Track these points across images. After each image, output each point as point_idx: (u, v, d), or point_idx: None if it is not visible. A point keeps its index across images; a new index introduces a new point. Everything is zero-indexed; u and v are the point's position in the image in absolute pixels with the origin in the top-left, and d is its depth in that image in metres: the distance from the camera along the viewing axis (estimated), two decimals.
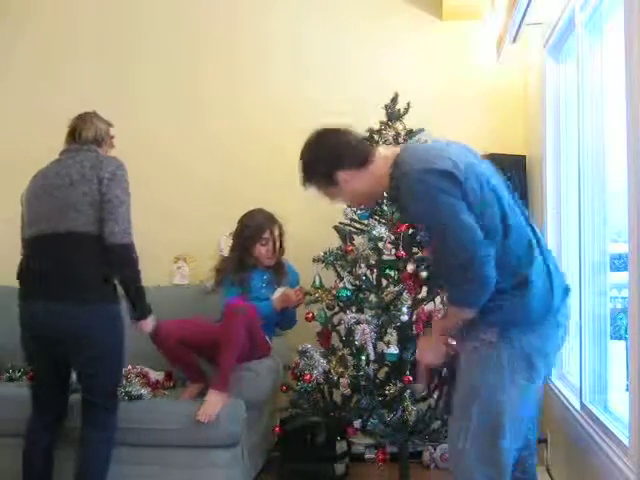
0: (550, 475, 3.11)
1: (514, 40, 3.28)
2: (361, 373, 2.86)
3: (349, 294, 2.98)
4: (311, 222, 3.62)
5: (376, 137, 3.15)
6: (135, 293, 2.63)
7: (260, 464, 3.34)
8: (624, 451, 2.07)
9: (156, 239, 3.72)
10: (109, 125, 2.81)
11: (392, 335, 2.92)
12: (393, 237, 2.96)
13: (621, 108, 2.05)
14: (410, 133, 3.13)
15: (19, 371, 3.36)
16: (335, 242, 3.15)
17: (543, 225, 3.32)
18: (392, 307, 2.91)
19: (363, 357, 2.89)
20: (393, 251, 2.95)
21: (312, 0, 4.05)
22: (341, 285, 3.00)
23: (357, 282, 3.02)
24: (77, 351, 2.57)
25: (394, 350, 2.87)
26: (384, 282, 3.04)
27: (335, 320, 3.08)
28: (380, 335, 2.92)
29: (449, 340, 2.08)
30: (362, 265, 3.01)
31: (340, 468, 3.32)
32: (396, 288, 2.91)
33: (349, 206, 3.01)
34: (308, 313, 3.09)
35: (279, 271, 3.39)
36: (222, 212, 3.78)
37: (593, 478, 2.37)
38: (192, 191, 4.00)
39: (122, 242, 2.54)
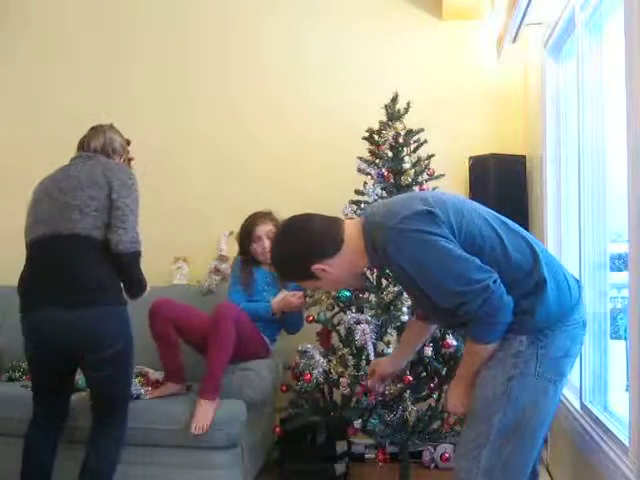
0: (550, 475, 3.11)
1: (514, 40, 3.28)
2: (361, 373, 2.86)
3: (349, 295, 2.98)
4: None
5: (376, 137, 3.15)
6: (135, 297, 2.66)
7: (260, 464, 3.34)
8: (624, 451, 2.07)
9: (156, 239, 3.71)
10: (124, 139, 2.81)
11: (392, 335, 2.92)
12: None
13: (621, 108, 2.05)
14: (410, 133, 3.13)
15: (19, 371, 3.35)
16: None
17: (543, 225, 3.32)
18: (392, 307, 2.91)
19: (363, 357, 2.89)
20: None
21: (311, 0, 4.05)
22: None
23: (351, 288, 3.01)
24: (90, 355, 2.53)
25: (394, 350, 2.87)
26: (384, 282, 3.04)
27: (335, 320, 3.08)
28: (380, 335, 2.92)
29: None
30: None
31: (340, 468, 3.32)
32: (396, 288, 2.91)
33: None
34: (308, 316, 3.10)
35: None
36: (221, 212, 3.79)
37: (593, 478, 2.36)
38: (192, 191, 4.00)
39: (129, 251, 2.54)
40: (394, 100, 3.16)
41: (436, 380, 2.95)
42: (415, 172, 3.07)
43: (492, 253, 1.89)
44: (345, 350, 2.96)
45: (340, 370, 2.92)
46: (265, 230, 3.34)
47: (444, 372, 2.93)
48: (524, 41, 3.51)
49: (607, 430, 2.29)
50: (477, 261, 1.84)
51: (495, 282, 1.82)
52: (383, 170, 3.08)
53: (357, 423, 2.83)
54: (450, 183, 3.22)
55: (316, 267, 1.97)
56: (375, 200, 3.09)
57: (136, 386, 3.01)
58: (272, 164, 3.92)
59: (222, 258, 3.67)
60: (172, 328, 3.05)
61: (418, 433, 2.89)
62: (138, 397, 2.97)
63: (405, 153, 3.11)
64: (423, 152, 3.14)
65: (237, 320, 2.97)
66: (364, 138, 3.19)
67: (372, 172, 3.08)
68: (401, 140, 3.11)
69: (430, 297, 1.90)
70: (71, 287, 2.48)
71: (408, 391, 2.83)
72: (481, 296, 1.80)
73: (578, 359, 2.68)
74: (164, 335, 3.05)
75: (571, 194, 3.07)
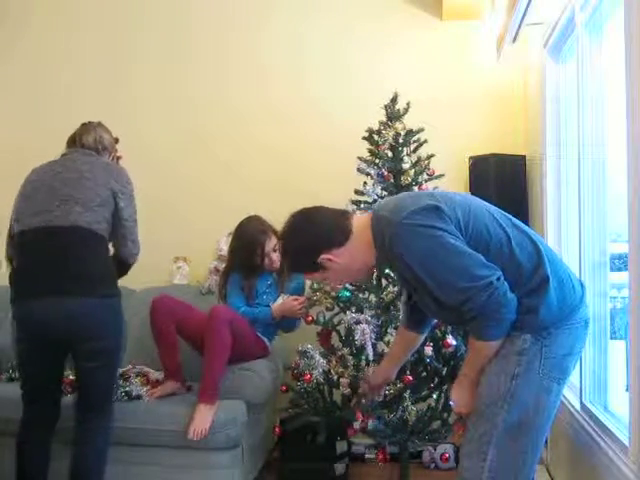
0: (550, 475, 3.11)
1: (514, 40, 3.28)
2: (361, 373, 2.86)
3: (349, 295, 2.98)
4: None
5: (376, 137, 3.15)
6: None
7: (260, 464, 3.34)
8: (624, 451, 2.07)
9: (156, 239, 3.72)
10: (113, 137, 2.82)
11: (392, 335, 2.92)
12: None
13: (621, 108, 2.05)
14: (410, 133, 3.13)
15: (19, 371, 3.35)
16: None
17: (543, 225, 3.32)
18: (392, 307, 2.91)
19: (363, 357, 2.89)
20: None
21: (312, 0, 4.05)
22: (341, 286, 3.00)
23: (357, 282, 3.01)
24: (85, 344, 2.52)
25: None
26: (384, 282, 3.04)
27: (335, 320, 3.08)
28: (380, 335, 2.92)
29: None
30: None
31: (340, 468, 3.32)
32: (396, 288, 2.91)
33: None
34: (308, 316, 3.10)
35: (281, 276, 3.31)
36: (222, 212, 3.79)
37: (593, 478, 2.37)
38: (192, 191, 4.00)
39: (134, 261, 2.71)
40: (394, 100, 3.16)
41: (436, 380, 2.95)
42: (415, 172, 3.07)
43: (498, 251, 1.90)
44: (345, 350, 2.96)
45: (340, 370, 2.92)
46: (272, 245, 3.22)
47: (444, 372, 2.93)
48: (524, 41, 3.51)
49: (607, 430, 2.29)
50: (481, 258, 1.85)
51: (499, 279, 1.83)
52: (383, 170, 3.08)
53: (357, 424, 2.83)
54: (450, 183, 3.22)
55: (324, 257, 2.00)
56: (375, 200, 3.09)
57: (137, 386, 3.01)
58: (272, 164, 3.92)
59: (222, 258, 3.66)
60: (172, 324, 3.04)
61: (418, 433, 2.89)
62: (139, 397, 2.97)
63: (405, 153, 3.11)
64: (423, 152, 3.14)
65: (232, 322, 2.95)
66: (364, 138, 3.19)
67: (372, 172, 3.08)
68: (401, 140, 3.11)
69: (434, 294, 1.91)
70: (71, 276, 2.47)
71: (408, 391, 2.83)
72: (485, 292, 1.81)
73: (578, 359, 2.68)
74: (164, 331, 3.04)
75: (571, 194, 3.06)
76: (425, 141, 3.14)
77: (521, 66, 3.82)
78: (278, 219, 3.64)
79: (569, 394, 2.85)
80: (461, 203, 1.96)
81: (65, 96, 4.07)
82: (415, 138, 3.14)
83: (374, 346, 2.86)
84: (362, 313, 2.92)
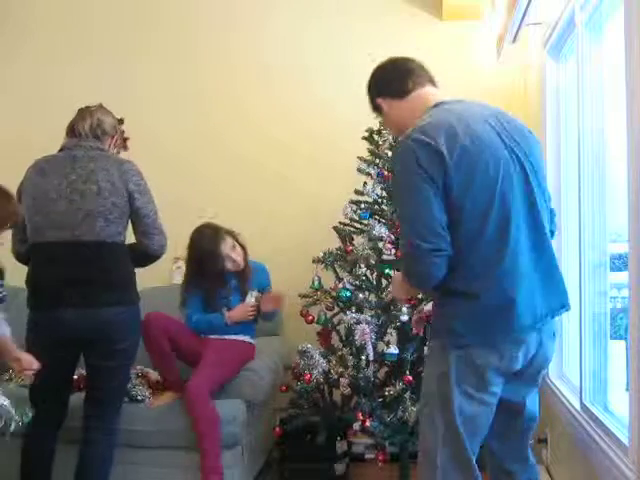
0: (550, 475, 3.11)
1: (514, 40, 3.28)
2: (361, 375, 2.86)
3: (349, 294, 2.98)
4: (311, 223, 3.63)
5: (376, 137, 3.15)
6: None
7: (260, 464, 3.34)
8: (624, 451, 2.07)
9: None
10: (116, 119, 2.77)
11: (392, 335, 2.92)
12: (393, 237, 2.96)
13: (621, 108, 2.05)
14: None
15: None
16: (335, 243, 3.15)
17: None
18: (392, 307, 2.91)
19: (363, 357, 2.89)
20: (393, 251, 2.95)
21: (312, 0, 4.05)
22: (341, 286, 3.00)
23: (357, 282, 3.02)
24: (105, 345, 2.58)
25: (394, 350, 2.87)
26: (384, 282, 3.04)
27: (335, 320, 3.08)
28: (380, 335, 2.92)
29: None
30: (362, 265, 3.01)
31: (340, 468, 3.32)
32: None
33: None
34: (308, 315, 3.09)
35: (244, 274, 3.26)
36: (223, 212, 3.78)
37: (593, 478, 2.36)
38: (193, 191, 4.00)
39: (164, 251, 2.74)
40: None
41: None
42: None
43: (466, 232, 1.85)
44: (345, 350, 2.96)
45: (340, 370, 2.92)
46: (229, 246, 3.20)
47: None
48: (524, 41, 3.50)
49: (607, 430, 2.29)
50: (438, 222, 1.82)
51: (434, 251, 1.82)
52: (383, 170, 3.08)
53: (357, 425, 2.83)
54: None
55: (379, 100, 2.19)
56: (375, 200, 3.10)
57: (142, 390, 3.00)
58: (276, 163, 3.92)
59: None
60: (166, 340, 3.03)
61: (418, 433, 2.89)
62: (143, 401, 2.98)
63: None
64: None
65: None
66: (364, 138, 3.19)
67: (372, 172, 3.08)
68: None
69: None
70: (98, 287, 2.55)
71: (408, 391, 2.83)
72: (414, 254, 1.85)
73: (578, 359, 2.68)
74: (159, 347, 3.02)
75: (571, 194, 3.06)
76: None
77: (521, 66, 3.81)
78: (280, 215, 3.67)
79: (569, 394, 2.85)
80: (479, 162, 1.86)
81: (72, 96, 4.05)
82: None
83: (374, 346, 2.87)
84: (362, 313, 2.92)
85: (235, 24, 4.07)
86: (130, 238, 2.73)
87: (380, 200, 3.09)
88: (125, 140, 2.84)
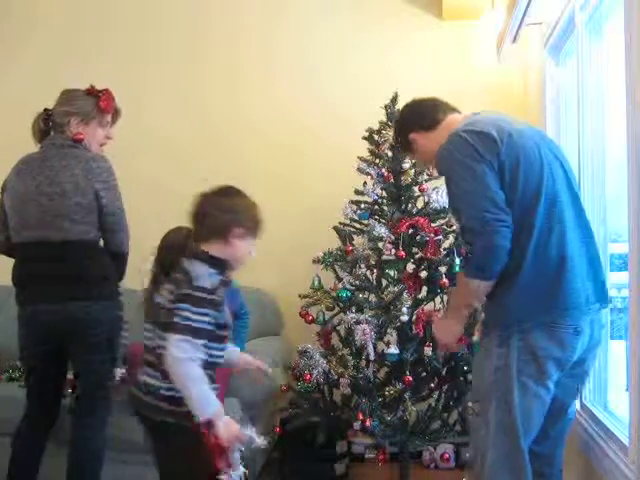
0: None
1: (514, 40, 3.28)
2: (361, 375, 2.86)
3: (349, 294, 2.98)
4: (311, 223, 3.62)
5: (376, 137, 3.15)
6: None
7: (260, 464, 3.33)
8: (624, 451, 2.07)
9: (156, 239, 3.71)
10: (86, 95, 2.79)
11: (392, 335, 2.92)
12: (393, 237, 2.96)
13: (621, 108, 2.05)
14: None
15: (19, 371, 3.34)
16: (335, 243, 3.15)
17: None
18: (392, 307, 2.90)
19: (363, 357, 2.89)
20: (393, 251, 2.95)
21: (313, 1, 4.06)
22: (340, 286, 3.00)
23: (357, 282, 3.02)
24: (87, 338, 2.60)
25: (394, 350, 2.87)
26: (384, 282, 3.04)
27: (335, 320, 3.08)
28: (380, 335, 2.92)
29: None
30: (362, 265, 3.01)
31: (340, 468, 3.32)
32: (396, 288, 2.91)
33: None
34: (308, 315, 3.09)
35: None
36: None
37: (593, 478, 2.37)
38: (196, 191, 3.99)
39: (127, 250, 2.72)
40: (394, 100, 3.16)
41: (436, 380, 2.95)
42: (415, 172, 3.07)
43: (518, 213, 1.91)
44: (345, 350, 2.96)
45: (340, 370, 2.92)
46: None
47: (444, 372, 2.93)
48: (524, 41, 3.50)
49: (607, 430, 2.29)
50: (499, 197, 1.89)
51: (500, 222, 1.87)
52: (383, 170, 3.08)
53: (357, 425, 2.83)
54: None
55: (413, 136, 2.24)
56: (375, 200, 3.10)
57: None
58: (277, 163, 3.92)
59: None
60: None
61: (418, 433, 2.89)
62: None
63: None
64: None
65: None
66: (364, 138, 3.19)
67: (372, 172, 3.08)
68: None
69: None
70: (69, 282, 2.57)
71: (408, 392, 2.83)
72: (481, 228, 1.88)
73: None
74: None
75: None
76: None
77: (521, 66, 3.82)
78: (280, 215, 3.65)
79: None
80: (528, 149, 1.98)
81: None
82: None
83: (374, 346, 2.87)
84: (362, 313, 2.92)
85: (243, 27, 4.08)
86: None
87: (380, 200, 3.10)
88: (102, 110, 2.76)
